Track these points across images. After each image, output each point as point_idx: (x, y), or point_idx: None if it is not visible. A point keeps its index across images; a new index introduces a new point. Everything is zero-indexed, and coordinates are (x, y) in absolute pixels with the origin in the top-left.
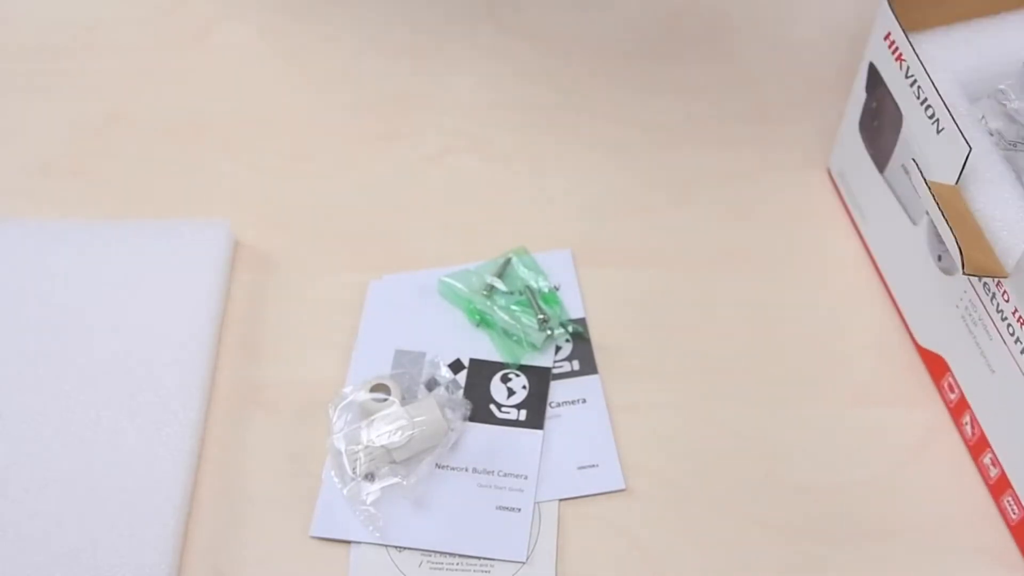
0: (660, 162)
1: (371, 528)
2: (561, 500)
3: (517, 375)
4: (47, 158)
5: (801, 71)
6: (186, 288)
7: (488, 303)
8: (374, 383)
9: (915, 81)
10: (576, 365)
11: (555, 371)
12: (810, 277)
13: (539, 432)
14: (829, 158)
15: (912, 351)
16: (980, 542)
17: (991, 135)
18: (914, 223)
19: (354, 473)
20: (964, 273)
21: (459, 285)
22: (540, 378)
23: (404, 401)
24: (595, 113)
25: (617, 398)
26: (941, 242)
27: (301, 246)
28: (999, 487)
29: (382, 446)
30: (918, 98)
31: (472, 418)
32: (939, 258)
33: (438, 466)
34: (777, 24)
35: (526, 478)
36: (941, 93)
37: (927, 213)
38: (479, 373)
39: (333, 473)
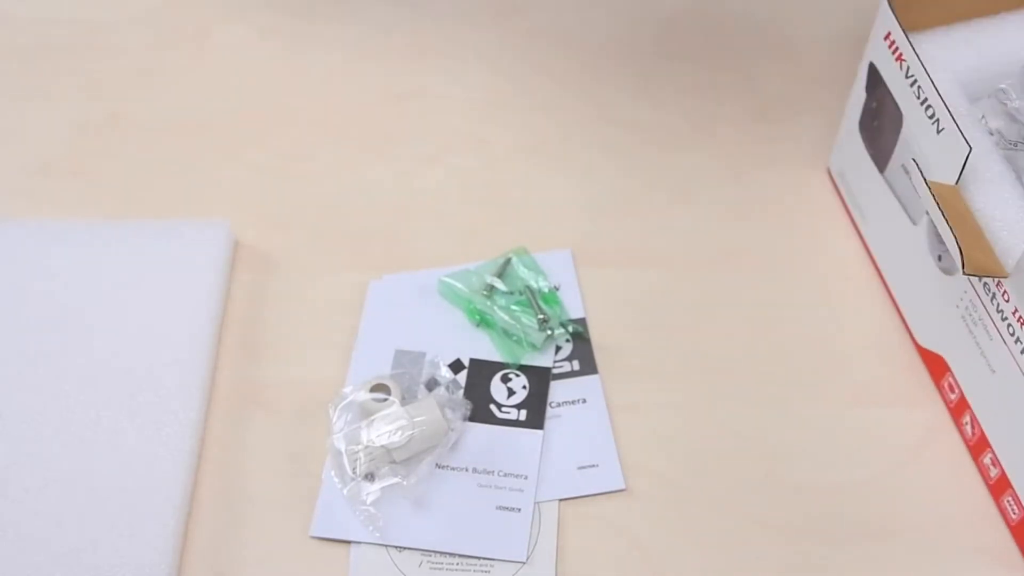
0: (660, 162)
1: (371, 528)
2: (561, 500)
3: (517, 375)
4: (47, 158)
5: (801, 71)
6: (186, 288)
7: (488, 303)
8: (374, 383)
9: (915, 81)
10: (576, 365)
11: (555, 371)
12: (810, 277)
13: (539, 432)
14: (829, 158)
15: (912, 351)
16: (980, 542)
17: (991, 135)
18: (914, 223)
19: (354, 473)
20: (964, 273)
21: (459, 285)
22: (540, 378)
23: (404, 401)
24: (595, 113)
25: (617, 398)
26: (941, 242)
27: (301, 246)
28: (999, 487)
29: (382, 446)
30: (918, 98)
31: (472, 418)
32: (939, 258)
33: (438, 466)
34: (777, 24)
35: (526, 478)
36: (941, 93)
37: (927, 213)
38: (479, 373)
39: (333, 473)
